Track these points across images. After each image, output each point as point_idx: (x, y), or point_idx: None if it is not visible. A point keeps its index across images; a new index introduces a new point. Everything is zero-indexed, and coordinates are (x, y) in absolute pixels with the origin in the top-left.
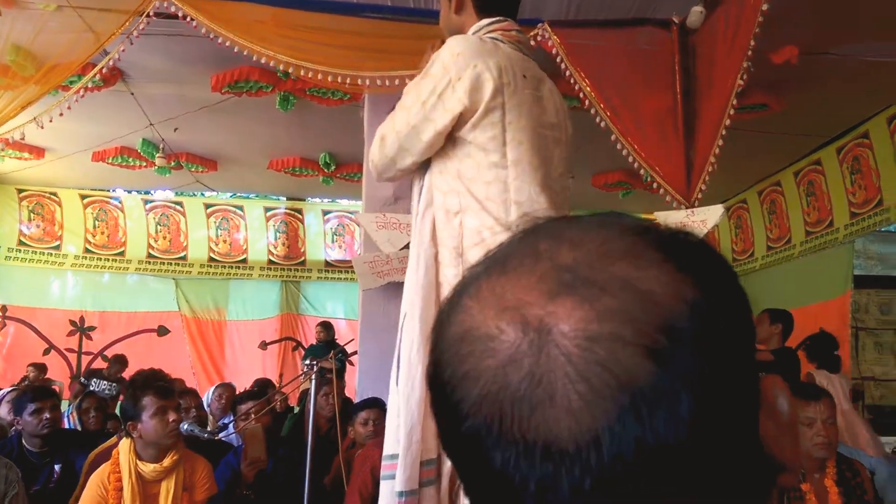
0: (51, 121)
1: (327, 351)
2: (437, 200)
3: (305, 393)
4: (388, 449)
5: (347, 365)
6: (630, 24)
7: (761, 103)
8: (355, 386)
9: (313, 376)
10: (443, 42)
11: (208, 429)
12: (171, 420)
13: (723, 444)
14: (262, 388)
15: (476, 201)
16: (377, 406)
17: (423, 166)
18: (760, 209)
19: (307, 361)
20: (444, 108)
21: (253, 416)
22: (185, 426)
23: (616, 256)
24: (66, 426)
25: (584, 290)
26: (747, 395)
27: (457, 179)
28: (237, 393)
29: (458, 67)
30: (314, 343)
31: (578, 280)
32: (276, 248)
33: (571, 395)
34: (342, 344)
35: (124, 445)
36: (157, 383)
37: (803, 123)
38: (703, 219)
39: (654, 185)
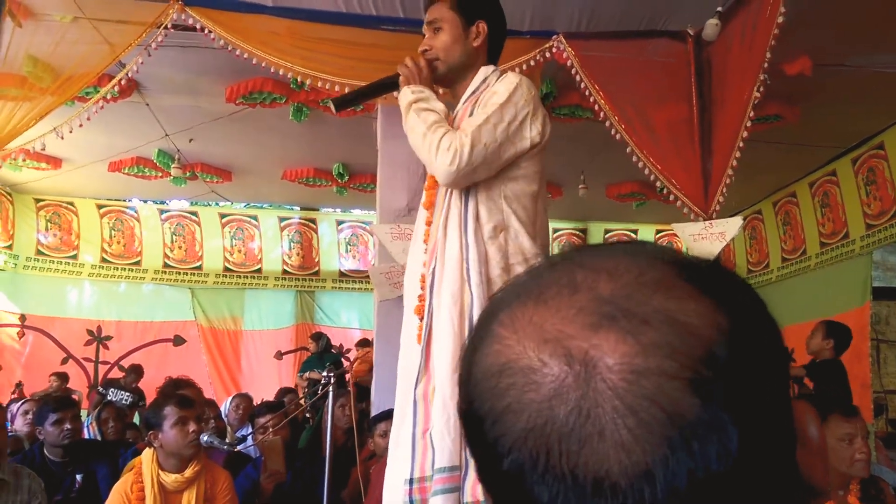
0: (70, 131)
1: (321, 362)
2: (483, 216)
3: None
4: (444, 461)
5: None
6: (644, 35)
7: (776, 114)
8: (371, 397)
9: (330, 389)
10: (436, 60)
11: (227, 440)
12: (191, 430)
13: (767, 469)
14: (282, 399)
15: (519, 222)
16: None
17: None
18: (775, 220)
19: (303, 374)
20: (522, 136)
21: (271, 429)
22: (205, 437)
23: (653, 288)
24: (86, 436)
25: (626, 323)
26: (785, 419)
27: (501, 199)
28: (254, 403)
29: (535, 105)
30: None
31: (620, 312)
32: (290, 257)
33: (621, 429)
34: (340, 352)
35: (147, 455)
36: (178, 393)
37: (818, 134)
38: (722, 231)
39: (671, 197)
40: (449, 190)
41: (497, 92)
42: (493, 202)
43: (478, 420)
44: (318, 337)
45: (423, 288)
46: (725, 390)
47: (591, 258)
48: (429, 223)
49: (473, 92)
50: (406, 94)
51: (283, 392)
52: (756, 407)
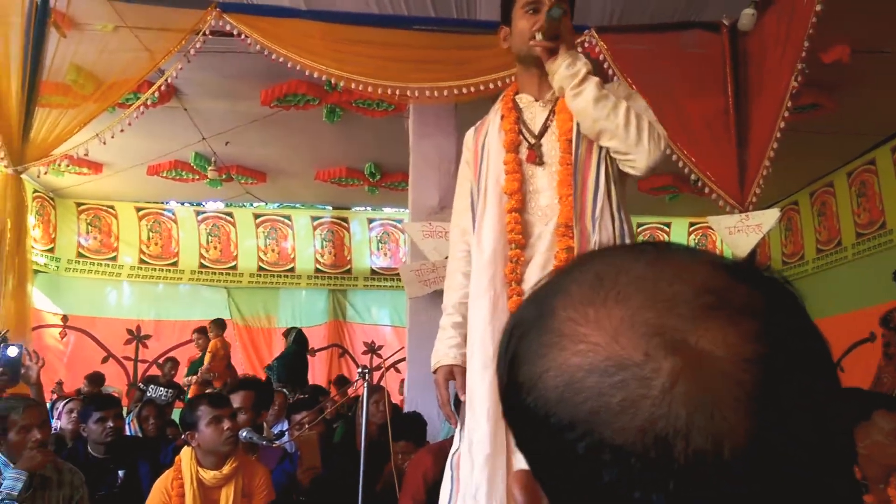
0: (112, 137)
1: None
2: (617, 203)
3: (355, 399)
4: None
5: (394, 372)
6: (677, 27)
7: (813, 103)
8: (405, 393)
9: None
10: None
11: (264, 435)
12: (226, 428)
13: (845, 453)
14: (315, 395)
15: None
16: (412, 440)
17: (609, 175)
18: (811, 210)
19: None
20: None
21: (307, 425)
22: (244, 434)
23: (734, 279)
24: (127, 433)
25: (727, 312)
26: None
27: (625, 189)
28: (289, 399)
29: None
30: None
31: (720, 302)
32: (322, 256)
33: (742, 416)
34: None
35: (186, 453)
36: (210, 392)
37: (857, 123)
38: (759, 223)
39: (706, 190)
40: (594, 177)
41: (630, 92)
42: (623, 191)
43: (561, 429)
44: (288, 333)
45: (515, 281)
46: (822, 374)
47: (644, 253)
48: (512, 210)
49: None
50: (583, 61)
51: (314, 391)
52: (836, 385)
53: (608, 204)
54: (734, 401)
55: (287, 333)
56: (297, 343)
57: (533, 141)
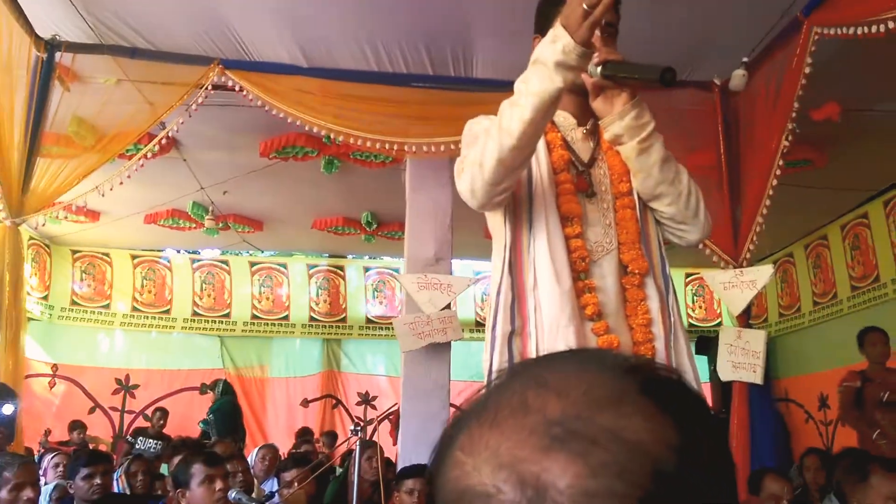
0: (111, 189)
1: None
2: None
3: (348, 455)
4: None
5: (388, 424)
6: None
7: (804, 159)
8: (398, 446)
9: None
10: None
11: (253, 495)
12: (218, 489)
13: None
14: (306, 454)
15: None
16: (423, 475)
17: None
18: (806, 263)
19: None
20: None
21: (297, 484)
22: (233, 494)
23: (601, 405)
24: (115, 489)
25: (574, 445)
26: None
27: None
28: (280, 453)
29: None
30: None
31: (568, 434)
32: (317, 304)
33: None
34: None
35: None
36: (205, 450)
37: (849, 178)
38: (753, 279)
39: (699, 245)
40: (655, 233)
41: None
42: None
43: None
44: (214, 385)
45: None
46: None
47: (542, 373)
48: (576, 235)
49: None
50: (650, 113)
51: (303, 432)
52: None
53: (667, 266)
54: None
55: (213, 386)
56: (227, 393)
57: (582, 168)
